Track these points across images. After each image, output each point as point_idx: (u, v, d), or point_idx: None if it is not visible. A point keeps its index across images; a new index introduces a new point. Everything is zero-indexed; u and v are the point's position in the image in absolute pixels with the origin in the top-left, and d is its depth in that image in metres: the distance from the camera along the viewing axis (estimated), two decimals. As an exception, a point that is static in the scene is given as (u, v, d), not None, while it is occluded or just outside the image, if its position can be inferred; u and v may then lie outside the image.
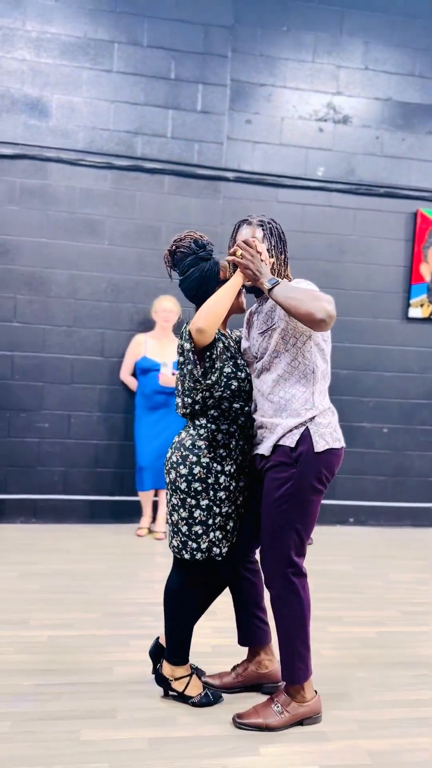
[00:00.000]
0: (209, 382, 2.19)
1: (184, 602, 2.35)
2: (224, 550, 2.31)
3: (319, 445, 2.20)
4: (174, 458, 2.28)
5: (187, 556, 2.28)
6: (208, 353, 2.18)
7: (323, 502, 4.85)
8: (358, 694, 2.53)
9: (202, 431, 2.28)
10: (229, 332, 2.50)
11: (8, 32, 4.40)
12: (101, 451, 4.69)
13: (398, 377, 5.03)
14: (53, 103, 4.49)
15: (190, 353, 2.17)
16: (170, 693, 2.41)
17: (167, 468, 2.30)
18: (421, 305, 4.99)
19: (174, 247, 2.33)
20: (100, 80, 4.53)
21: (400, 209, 4.94)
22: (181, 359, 2.26)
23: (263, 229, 2.30)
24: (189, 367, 2.20)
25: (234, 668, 2.53)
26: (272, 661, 2.50)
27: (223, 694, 2.43)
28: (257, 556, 2.50)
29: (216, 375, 2.21)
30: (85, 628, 2.99)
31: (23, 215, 4.51)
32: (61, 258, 4.56)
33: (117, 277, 4.63)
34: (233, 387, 2.29)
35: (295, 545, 2.23)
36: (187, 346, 2.17)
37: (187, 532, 2.26)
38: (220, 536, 2.29)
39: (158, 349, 4.48)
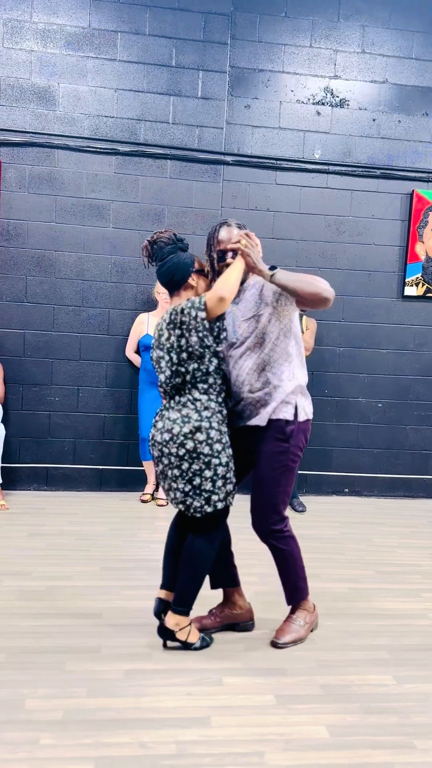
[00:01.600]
0: (220, 348, 2.52)
1: (210, 557, 2.62)
2: (233, 495, 2.62)
3: (301, 416, 2.63)
4: (186, 429, 2.49)
5: (210, 509, 2.54)
6: (218, 323, 2.49)
7: (319, 473, 5.14)
8: (322, 638, 2.78)
9: (199, 403, 2.52)
10: None
11: (16, 24, 4.63)
12: (108, 423, 4.98)
13: (394, 354, 5.20)
14: (60, 92, 4.72)
15: (203, 322, 2.44)
16: (168, 644, 2.62)
17: (179, 441, 2.49)
18: (417, 284, 5.14)
19: (155, 238, 2.57)
20: (105, 69, 4.75)
21: (396, 190, 5.08)
22: (177, 332, 2.48)
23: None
24: (199, 335, 2.46)
25: (211, 611, 2.82)
26: (244, 601, 2.81)
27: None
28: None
29: (222, 343, 2.54)
30: (83, 579, 3.29)
31: (33, 200, 4.77)
32: (69, 240, 4.82)
33: (122, 258, 4.88)
34: (216, 362, 2.55)
35: (283, 503, 2.64)
36: (201, 315, 2.43)
37: (211, 488, 2.52)
38: (231, 486, 2.59)
39: (160, 326, 4.73)
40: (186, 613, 2.61)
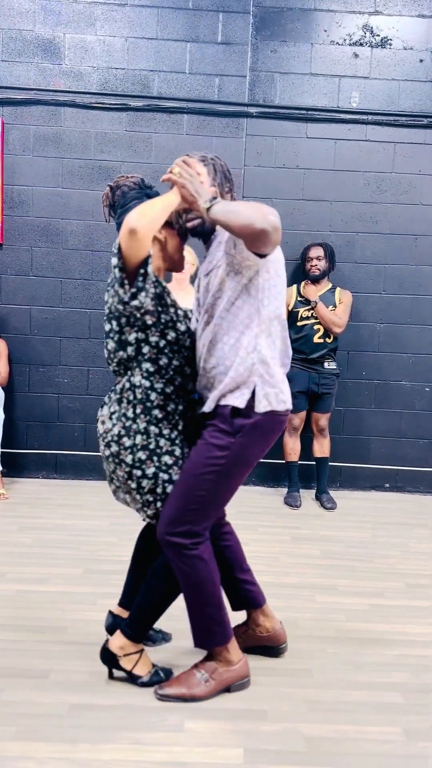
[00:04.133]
0: (136, 303, 1.92)
1: (152, 547, 2.21)
2: None
3: (261, 406, 1.96)
4: (115, 430, 2.03)
5: (151, 521, 2.11)
6: (141, 273, 1.92)
7: (356, 465, 4.57)
8: (320, 671, 2.27)
9: (139, 391, 2.02)
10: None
11: (18, -30, 4.22)
12: (121, 407, 4.56)
13: (443, 330, 4.55)
14: (66, 44, 4.29)
15: (117, 270, 1.91)
16: (114, 674, 2.18)
17: (106, 441, 2.05)
18: (471, 249, 4.45)
19: (117, 183, 2.09)
20: (114, 15, 4.28)
21: (447, 141, 4.40)
22: (110, 290, 1.99)
23: (205, 164, 2.05)
24: (116, 287, 1.94)
25: (234, 629, 2.34)
26: (272, 621, 2.33)
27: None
28: (224, 516, 2.35)
29: (146, 301, 1.94)
30: (59, 584, 2.89)
31: (38, 164, 4.38)
32: (76, 207, 4.41)
33: (134, 225, 4.42)
34: (170, 337, 2.01)
35: (206, 516, 2.00)
36: (114, 260, 1.91)
37: (140, 500, 2.06)
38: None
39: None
40: (134, 640, 2.13)
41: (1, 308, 4.46)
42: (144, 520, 2.13)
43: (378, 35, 4.34)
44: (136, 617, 2.10)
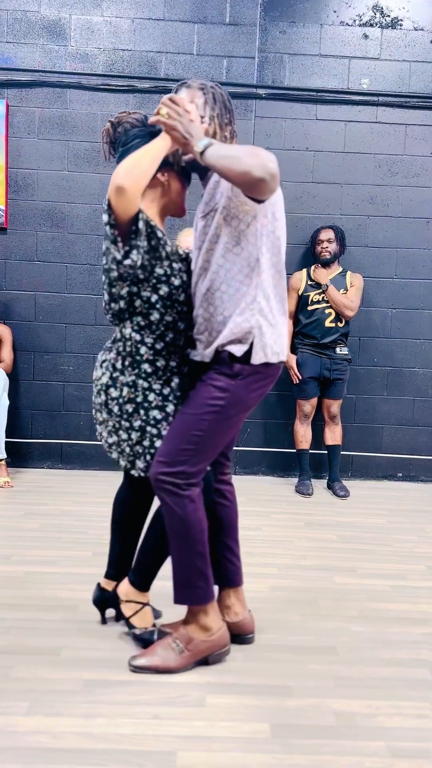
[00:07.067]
0: (129, 263, 1.83)
1: (129, 512, 2.14)
2: None
3: (257, 358, 1.87)
4: (104, 380, 1.97)
5: (136, 474, 2.01)
6: (133, 230, 1.83)
7: (368, 454, 4.46)
8: (345, 649, 2.16)
9: (129, 343, 1.95)
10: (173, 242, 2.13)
11: None
12: (128, 395, 4.46)
13: (456, 315, 4.46)
14: (72, 25, 4.23)
15: (108, 227, 1.82)
16: (106, 621, 2.21)
17: (96, 389, 2.00)
18: None
19: (119, 119, 1.99)
20: (121, -4, 4.22)
21: (460, 122, 4.33)
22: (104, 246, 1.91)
23: (204, 93, 1.92)
24: (108, 244, 1.84)
25: None
26: (242, 607, 2.18)
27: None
28: (229, 471, 2.21)
29: (139, 258, 1.84)
30: (68, 566, 2.78)
31: (43, 146, 4.30)
32: (82, 191, 4.33)
33: (141, 209, 4.34)
34: (162, 292, 1.91)
35: (203, 458, 1.91)
36: (104, 217, 1.82)
37: (129, 452, 1.98)
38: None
39: (182, 284, 4.17)
40: (141, 587, 2.08)
41: (5, 294, 4.37)
42: (138, 475, 2.01)
43: (388, 16, 4.28)
44: (139, 562, 2.06)
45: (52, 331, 4.41)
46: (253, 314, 1.85)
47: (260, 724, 1.73)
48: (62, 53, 4.24)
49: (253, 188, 1.66)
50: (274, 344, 1.90)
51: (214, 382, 1.88)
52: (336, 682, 1.95)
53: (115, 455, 2.02)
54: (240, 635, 2.16)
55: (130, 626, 2.08)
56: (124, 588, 2.10)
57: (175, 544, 1.92)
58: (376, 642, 2.21)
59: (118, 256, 1.84)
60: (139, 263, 1.85)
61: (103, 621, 2.25)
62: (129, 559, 2.21)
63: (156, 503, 3.70)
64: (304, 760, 1.59)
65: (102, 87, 4.27)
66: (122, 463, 2.01)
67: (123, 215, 1.79)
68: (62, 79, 4.25)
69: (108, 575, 2.23)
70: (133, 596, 2.08)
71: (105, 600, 2.22)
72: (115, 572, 2.21)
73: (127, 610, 2.08)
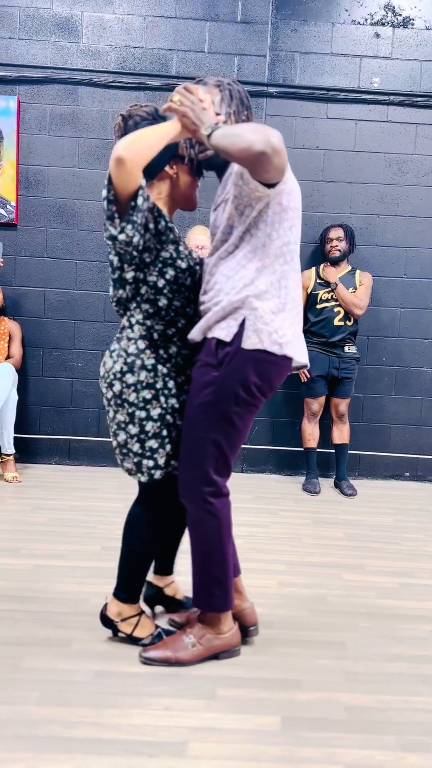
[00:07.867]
0: (123, 237, 1.77)
1: (141, 529, 2.03)
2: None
3: (249, 342, 1.79)
4: (117, 367, 1.90)
5: (144, 479, 1.96)
6: (131, 206, 1.76)
7: (375, 454, 4.46)
8: (354, 644, 2.16)
9: (139, 329, 1.91)
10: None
11: None
12: (136, 392, 4.47)
13: (465, 315, 4.46)
14: (84, 22, 4.24)
15: (106, 202, 1.77)
16: (119, 635, 2.12)
17: (108, 381, 1.92)
18: None
19: (130, 112, 1.99)
20: (133, -6, 4.23)
21: (470, 122, 4.33)
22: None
23: (220, 90, 1.91)
24: (105, 222, 1.80)
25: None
26: (242, 599, 2.16)
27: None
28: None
29: (135, 235, 1.78)
30: (76, 559, 2.79)
31: (54, 143, 4.32)
32: (92, 188, 4.34)
33: (151, 207, 4.35)
34: (168, 276, 1.88)
35: (215, 461, 1.87)
36: (104, 193, 1.77)
37: (140, 451, 1.92)
38: (171, 448, 1.96)
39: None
40: (127, 601, 2.05)
41: (15, 290, 4.39)
42: (145, 479, 1.95)
43: (400, 15, 4.28)
44: (121, 576, 2.04)
45: (61, 327, 4.42)
46: (248, 295, 1.79)
47: (271, 717, 1.73)
48: (74, 50, 4.26)
49: (256, 164, 1.62)
50: (274, 332, 1.80)
51: (200, 377, 1.85)
52: (345, 676, 1.96)
53: (119, 458, 1.98)
54: (243, 626, 2.15)
55: (136, 640, 2.06)
56: (116, 609, 2.06)
57: (196, 552, 1.93)
58: (384, 638, 2.21)
59: (114, 232, 1.78)
60: (135, 240, 1.79)
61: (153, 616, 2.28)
62: (173, 552, 2.29)
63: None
64: (315, 752, 1.59)
65: (113, 84, 4.28)
66: (127, 466, 1.96)
67: (123, 190, 1.74)
68: (74, 76, 4.26)
69: (156, 571, 2.28)
70: (126, 612, 2.06)
71: (156, 596, 2.28)
72: (161, 567, 2.27)
73: (126, 628, 2.06)
